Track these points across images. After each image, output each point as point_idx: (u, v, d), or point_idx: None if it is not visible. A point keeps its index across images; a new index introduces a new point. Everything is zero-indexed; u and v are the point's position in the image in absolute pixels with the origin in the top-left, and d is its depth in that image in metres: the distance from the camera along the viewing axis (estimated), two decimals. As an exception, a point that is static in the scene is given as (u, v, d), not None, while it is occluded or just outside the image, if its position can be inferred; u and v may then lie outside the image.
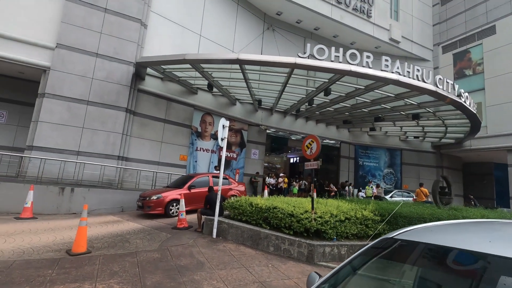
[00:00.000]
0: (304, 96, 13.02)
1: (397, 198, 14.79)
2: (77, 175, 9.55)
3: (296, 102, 14.15)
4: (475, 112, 12.46)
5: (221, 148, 8.02)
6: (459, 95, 11.40)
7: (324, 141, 18.56)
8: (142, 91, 11.55)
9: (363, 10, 17.39)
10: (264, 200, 6.88)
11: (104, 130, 10.33)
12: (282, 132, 17.18)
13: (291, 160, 22.78)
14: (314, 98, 12.62)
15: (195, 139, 13.45)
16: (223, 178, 9.97)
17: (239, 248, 5.83)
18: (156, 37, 12.05)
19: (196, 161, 13.41)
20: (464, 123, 13.94)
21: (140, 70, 10.96)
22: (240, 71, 10.12)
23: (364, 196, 13.62)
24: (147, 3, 11.54)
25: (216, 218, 6.46)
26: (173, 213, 8.91)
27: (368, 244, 1.75)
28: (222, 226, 6.57)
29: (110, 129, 10.43)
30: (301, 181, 16.73)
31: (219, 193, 6.52)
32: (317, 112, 15.58)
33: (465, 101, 11.57)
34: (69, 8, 10.16)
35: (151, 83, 11.79)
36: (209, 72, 10.96)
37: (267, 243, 5.91)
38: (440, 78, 10.73)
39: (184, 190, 9.17)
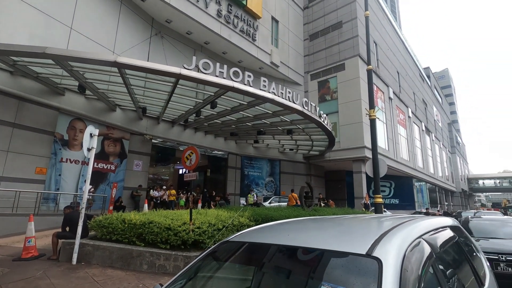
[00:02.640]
0: (192, 107, 13.05)
1: (274, 203, 16.61)
2: None
3: (184, 112, 14.01)
4: (331, 130, 15.50)
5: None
6: (320, 116, 13.97)
7: (213, 152, 19.04)
8: (-22, 86, 8.92)
9: (249, 33, 19.10)
10: (139, 215, 6.42)
11: None
12: (170, 142, 16.59)
13: (180, 172, 22.16)
14: (202, 109, 12.83)
15: (60, 149, 11.31)
16: None
17: (105, 272, 5.20)
18: (8, 21, 9.63)
19: (60, 175, 11.24)
20: (324, 138, 17.08)
21: (-25, 58, 8.47)
22: (120, 75, 9.27)
23: (245, 203, 14.63)
24: (-8, -23, 9.16)
25: (77, 240, 5.57)
26: None
27: (210, 247, 1.92)
28: (85, 249, 5.71)
29: None
30: (188, 193, 16.47)
31: (83, 211, 5.68)
32: (205, 124, 15.86)
33: (323, 121, 14.24)
34: None
35: (-7, 77, 9.27)
36: (81, 72, 9.53)
37: (140, 261, 5.51)
38: (306, 101, 12.86)
39: None
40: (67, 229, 6.10)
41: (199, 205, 14.29)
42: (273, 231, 1.84)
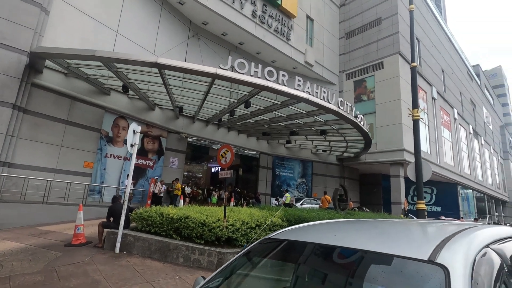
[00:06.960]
0: (226, 106, 13.29)
1: (306, 205, 16.32)
2: None
3: (218, 112, 14.32)
4: (367, 131, 14.84)
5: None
6: (356, 116, 13.44)
7: (245, 151, 19.21)
8: (38, 86, 9.88)
9: (283, 33, 18.99)
10: (176, 209, 6.65)
11: (-22, 129, 8.39)
12: (204, 141, 17.05)
13: (212, 170, 22.71)
14: (235, 109, 13.01)
15: (105, 145, 12.14)
16: None
17: (145, 262, 5.46)
18: (62, 27, 10.59)
19: (104, 169, 12.07)
20: (359, 140, 16.42)
21: (36, 62, 9.39)
22: (159, 75, 9.72)
23: (277, 203, 14.55)
24: (51, -13, 10.09)
25: (120, 230, 5.92)
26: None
27: (250, 245, 1.91)
28: (127, 239, 6.05)
29: (-12, 128, 8.54)
30: (220, 191, 16.80)
31: (125, 203, 6.02)
32: (238, 123, 16.06)
33: (360, 121, 13.68)
34: None
35: (50, 78, 10.21)
36: (125, 73, 10.16)
37: (176, 254, 5.70)
38: (341, 101, 12.45)
39: None
40: (111, 219, 6.52)
41: (232, 203, 14.50)
42: (317, 231, 1.77)
